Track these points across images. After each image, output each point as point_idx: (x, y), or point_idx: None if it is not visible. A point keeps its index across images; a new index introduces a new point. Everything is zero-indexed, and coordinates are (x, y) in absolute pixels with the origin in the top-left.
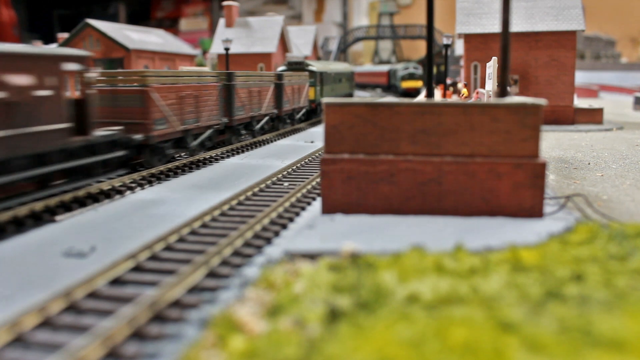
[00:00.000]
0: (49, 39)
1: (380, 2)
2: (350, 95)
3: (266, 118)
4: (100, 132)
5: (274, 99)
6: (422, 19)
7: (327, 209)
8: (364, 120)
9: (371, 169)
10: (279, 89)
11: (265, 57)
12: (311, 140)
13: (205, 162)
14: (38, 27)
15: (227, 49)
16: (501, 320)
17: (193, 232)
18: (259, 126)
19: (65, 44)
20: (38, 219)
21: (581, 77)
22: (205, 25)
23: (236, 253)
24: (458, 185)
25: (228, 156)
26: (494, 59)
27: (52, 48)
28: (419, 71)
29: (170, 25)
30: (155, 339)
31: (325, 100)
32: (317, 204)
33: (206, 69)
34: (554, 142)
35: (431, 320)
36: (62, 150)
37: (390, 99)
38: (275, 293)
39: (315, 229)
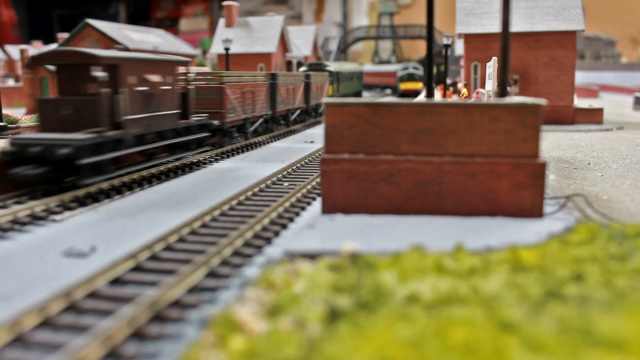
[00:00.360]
0: (49, 39)
1: (380, 2)
2: (360, 92)
3: (298, 111)
4: (194, 118)
5: (303, 95)
6: (422, 19)
7: (327, 209)
8: (364, 120)
9: (371, 169)
10: (307, 87)
11: (265, 57)
12: (311, 140)
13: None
14: (38, 27)
15: (227, 49)
16: (501, 320)
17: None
18: (293, 117)
19: (65, 44)
20: (38, 219)
21: (581, 77)
22: (205, 25)
23: (236, 253)
24: (458, 185)
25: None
26: (494, 59)
27: (171, 56)
28: (420, 72)
29: (170, 25)
30: (155, 339)
31: (325, 100)
32: (317, 204)
33: (206, 69)
34: (554, 142)
35: (431, 320)
36: (173, 130)
37: (390, 99)
38: (275, 293)
39: (315, 229)
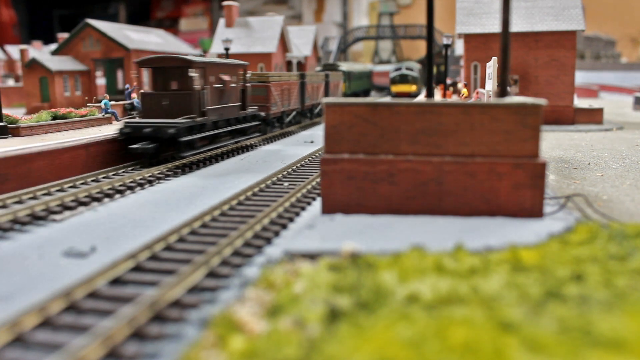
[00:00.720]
0: (49, 39)
1: (380, 2)
2: (369, 90)
3: (320, 105)
4: (249, 109)
5: (323, 92)
6: (422, 19)
7: (327, 209)
8: (364, 120)
9: (371, 169)
10: (326, 85)
11: (265, 57)
12: (311, 140)
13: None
14: (38, 27)
15: (227, 49)
16: (501, 320)
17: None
18: (316, 111)
19: (65, 44)
20: (38, 219)
21: (581, 77)
22: (205, 25)
23: (236, 253)
24: (458, 185)
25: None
26: (494, 59)
27: (237, 60)
28: (414, 73)
29: (170, 25)
30: (155, 339)
31: (324, 100)
32: (317, 204)
33: None
34: (554, 142)
35: (431, 320)
36: (235, 118)
37: (390, 99)
38: (275, 293)
39: (315, 229)
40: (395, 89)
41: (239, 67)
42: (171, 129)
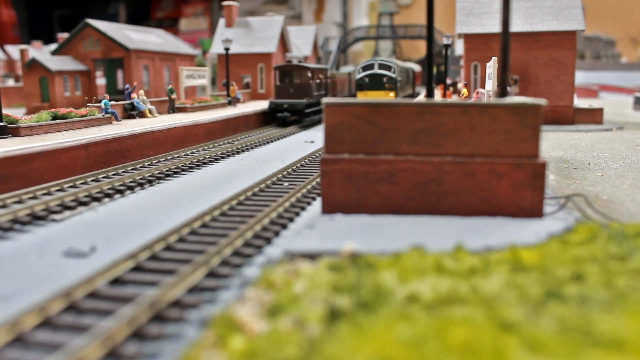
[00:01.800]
0: (49, 39)
1: (380, 2)
2: None
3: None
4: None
5: None
6: (422, 19)
7: (327, 209)
8: (363, 120)
9: (371, 169)
10: None
11: (265, 57)
12: (311, 140)
13: None
14: (38, 27)
15: (227, 49)
16: (501, 320)
17: None
18: None
19: (65, 44)
20: (38, 219)
21: (581, 77)
22: (205, 25)
23: (236, 252)
24: (458, 185)
25: None
26: (494, 59)
27: (324, 65)
28: (392, 73)
29: (170, 25)
30: (155, 339)
31: (324, 100)
32: (317, 204)
33: (207, 69)
34: (554, 142)
35: (431, 320)
36: (316, 102)
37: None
38: (275, 293)
39: (315, 229)
40: (363, 96)
41: (326, 70)
42: (300, 105)
